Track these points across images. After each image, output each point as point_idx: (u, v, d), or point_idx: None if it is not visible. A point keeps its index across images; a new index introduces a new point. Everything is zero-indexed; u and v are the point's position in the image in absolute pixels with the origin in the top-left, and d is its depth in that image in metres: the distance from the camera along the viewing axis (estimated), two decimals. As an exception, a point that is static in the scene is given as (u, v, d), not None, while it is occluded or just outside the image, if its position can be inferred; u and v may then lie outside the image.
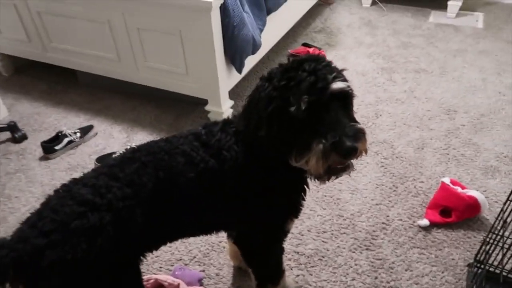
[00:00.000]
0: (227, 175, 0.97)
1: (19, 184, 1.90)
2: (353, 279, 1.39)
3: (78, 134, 2.07)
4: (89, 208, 0.87)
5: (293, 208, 1.09)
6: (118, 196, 0.90)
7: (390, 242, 1.50)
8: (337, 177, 0.91)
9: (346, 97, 0.89)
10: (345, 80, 0.90)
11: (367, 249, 1.48)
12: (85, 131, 2.11)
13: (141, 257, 1.00)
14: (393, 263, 1.43)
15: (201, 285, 1.39)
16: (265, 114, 0.89)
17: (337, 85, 0.86)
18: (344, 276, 1.40)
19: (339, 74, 0.89)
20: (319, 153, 0.84)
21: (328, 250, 1.48)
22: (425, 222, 1.52)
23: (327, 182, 0.93)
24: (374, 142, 1.92)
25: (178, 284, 1.32)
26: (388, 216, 1.59)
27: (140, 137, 2.08)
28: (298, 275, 1.41)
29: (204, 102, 2.02)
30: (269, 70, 0.95)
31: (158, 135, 2.08)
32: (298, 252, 1.49)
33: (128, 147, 1.93)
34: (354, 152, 0.84)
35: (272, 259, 1.20)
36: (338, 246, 1.50)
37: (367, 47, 2.64)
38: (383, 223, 1.57)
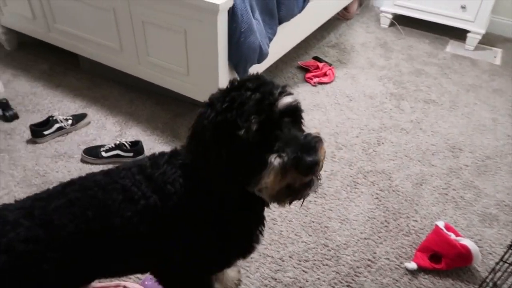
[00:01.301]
0: (170, 212, 0.90)
1: (1, 165, 1.84)
2: (329, 316, 1.32)
3: (70, 121, 2.00)
4: None
5: (245, 249, 1.01)
6: (20, 237, 0.81)
7: (373, 282, 1.42)
8: (301, 198, 0.84)
9: (295, 111, 0.85)
10: (291, 93, 0.85)
11: (347, 286, 1.41)
12: (78, 118, 2.04)
13: None
14: (373, 305, 1.35)
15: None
16: (211, 143, 0.81)
17: (285, 99, 0.81)
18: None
19: (284, 89, 0.84)
20: (277, 168, 0.77)
21: (307, 281, 1.41)
22: (412, 265, 1.45)
23: (288, 205, 0.86)
24: (372, 172, 1.84)
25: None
26: (375, 253, 1.52)
27: (133, 132, 2.02)
28: (271, 304, 1.34)
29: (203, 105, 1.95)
30: (210, 95, 0.88)
31: (152, 133, 2.01)
32: (275, 279, 1.41)
33: (118, 142, 1.87)
34: (316, 167, 0.78)
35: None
36: (318, 278, 1.42)
37: (379, 69, 2.57)
38: (369, 259, 1.49)
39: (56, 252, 0.84)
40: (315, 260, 1.48)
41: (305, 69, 2.51)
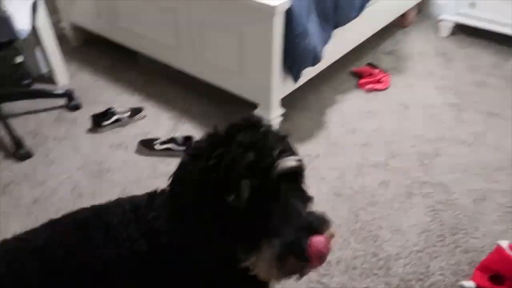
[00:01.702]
0: (157, 260, 0.77)
1: (64, 151, 1.95)
2: (377, 328, 1.26)
3: (128, 114, 2.09)
4: None
5: None
6: None
7: (426, 297, 1.35)
8: (302, 276, 0.69)
9: (297, 175, 0.70)
10: (294, 153, 0.71)
11: (398, 298, 1.34)
12: (135, 112, 2.13)
13: None
14: (425, 321, 1.28)
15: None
16: (191, 205, 0.68)
17: (287, 162, 0.65)
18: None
19: (286, 146, 0.69)
20: (272, 257, 0.63)
21: (355, 289, 1.36)
22: (470, 284, 1.35)
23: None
24: (428, 183, 1.76)
25: None
26: (428, 267, 1.44)
27: (187, 128, 2.07)
28: (317, 309, 1.30)
29: (255, 105, 1.97)
30: (195, 143, 0.75)
31: (204, 130, 2.05)
32: (322, 283, 1.38)
33: (171, 136, 1.92)
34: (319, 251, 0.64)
35: None
36: (367, 287, 1.37)
37: (438, 79, 2.46)
38: (421, 273, 1.42)
39: None
40: (363, 268, 1.43)
41: (358, 76, 2.46)
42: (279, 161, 0.65)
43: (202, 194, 0.66)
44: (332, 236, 0.68)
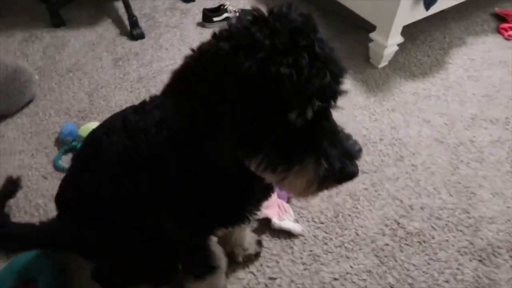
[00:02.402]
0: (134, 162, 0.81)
1: (172, 39, 2.01)
2: (447, 281, 1.19)
3: (237, 14, 2.05)
4: None
5: (226, 220, 0.86)
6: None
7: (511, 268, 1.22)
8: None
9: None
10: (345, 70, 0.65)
11: (480, 261, 1.23)
12: (244, 14, 2.07)
13: None
14: (504, 291, 1.17)
15: (288, 201, 1.33)
16: (231, 113, 0.59)
17: (345, 85, 0.63)
18: (438, 273, 1.20)
19: (342, 65, 0.63)
20: (313, 179, 0.62)
21: (433, 238, 1.28)
22: None
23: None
24: (553, 154, 1.50)
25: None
26: (526, 240, 1.28)
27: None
28: (386, 244, 1.26)
29: (371, 28, 1.79)
30: (234, 22, 0.63)
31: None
32: (399, 223, 1.31)
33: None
34: (355, 178, 0.65)
35: (187, 251, 0.98)
36: (447, 240, 1.27)
37: None
38: (515, 244, 1.27)
39: None
40: (448, 221, 1.32)
41: (501, 18, 2.08)
42: (343, 83, 0.63)
43: (250, 102, 0.58)
44: None
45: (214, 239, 1.04)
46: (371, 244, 1.26)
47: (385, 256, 1.23)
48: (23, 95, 1.63)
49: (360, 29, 1.96)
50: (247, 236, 1.18)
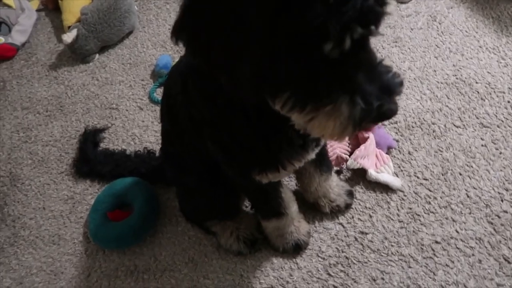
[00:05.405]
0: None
1: None
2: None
3: None
4: None
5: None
6: None
7: None
8: None
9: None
10: None
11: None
12: None
13: None
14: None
15: (387, 152, 1.20)
16: (251, 39, 0.51)
17: (390, 7, 0.52)
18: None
19: None
20: (352, 120, 0.54)
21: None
22: None
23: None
24: None
25: (368, 138, 1.16)
26: None
27: None
28: (504, 211, 1.07)
29: None
30: None
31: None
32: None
33: None
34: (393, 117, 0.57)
35: (252, 194, 0.98)
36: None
37: None
38: None
39: None
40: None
41: None
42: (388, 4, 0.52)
43: (281, 32, 0.50)
44: None
45: (285, 185, 0.99)
46: (485, 209, 1.08)
47: (501, 225, 1.05)
48: (123, 25, 1.66)
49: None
50: (335, 187, 1.09)
